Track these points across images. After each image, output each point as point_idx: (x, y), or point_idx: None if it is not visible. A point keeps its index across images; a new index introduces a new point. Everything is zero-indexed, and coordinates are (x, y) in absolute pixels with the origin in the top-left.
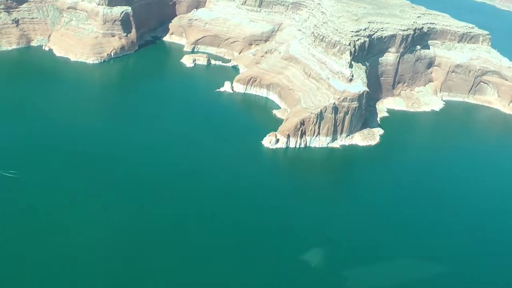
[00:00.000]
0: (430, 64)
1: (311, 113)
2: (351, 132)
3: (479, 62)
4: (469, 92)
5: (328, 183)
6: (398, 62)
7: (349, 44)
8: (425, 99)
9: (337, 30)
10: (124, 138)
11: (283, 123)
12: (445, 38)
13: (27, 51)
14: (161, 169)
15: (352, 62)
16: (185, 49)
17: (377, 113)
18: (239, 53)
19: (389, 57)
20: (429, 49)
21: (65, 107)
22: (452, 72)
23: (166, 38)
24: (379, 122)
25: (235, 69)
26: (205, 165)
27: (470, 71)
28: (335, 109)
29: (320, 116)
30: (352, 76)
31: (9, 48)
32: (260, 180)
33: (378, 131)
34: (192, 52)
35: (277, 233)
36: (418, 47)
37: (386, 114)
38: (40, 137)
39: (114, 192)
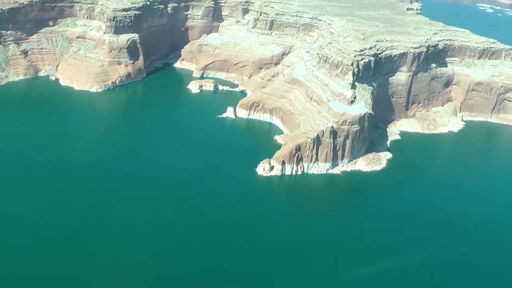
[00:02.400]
0: (448, 82)
1: (307, 138)
2: (354, 157)
3: (502, 78)
4: (492, 111)
5: (321, 212)
6: (411, 82)
7: (352, 64)
8: (442, 120)
9: (340, 50)
10: (112, 170)
11: (279, 149)
12: (464, 55)
13: (34, 82)
14: (149, 201)
15: (356, 83)
16: (194, 75)
17: (387, 136)
18: (249, 78)
19: (401, 77)
20: (446, 67)
21: (59, 137)
22: (472, 90)
23: (177, 65)
24: (388, 145)
25: (243, 94)
26: (190, 194)
27: (492, 89)
28: (334, 133)
29: (317, 141)
30: (354, 97)
31: (16, 79)
32: (246, 210)
33: (386, 155)
34: (201, 78)
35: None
36: (434, 65)
37: (398, 137)
38: (31, 171)
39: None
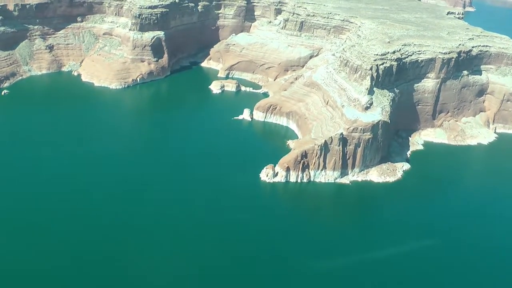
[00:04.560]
0: (482, 91)
1: (315, 145)
2: (366, 166)
3: None
4: None
5: (319, 222)
6: (439, 89)
7: (370, 69)
8: (472, 131)
9: (361, 53)
10: (113, 169)
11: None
12: (500, 63)
13: (55, 76)
14: (148, 204)
15: (375, 89)
16: (219, 75)
17: (408, 146)
18: (274, 80)
19: (428, 83)
20: (480, 74)
21: (63, 132)
22: (508, 101)
23: (204, 64)
24: (408, 156)
25: (266, 96)
26: (187, 196)
27: None
28: (343, 140)
29: (325, 148)
30: (370, 104)
31: (39, 73)
32: (241, 217)
33: (402, 166)
34: (226, 78)
35: None
36: (465, 72)
37: (421, 147)
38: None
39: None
